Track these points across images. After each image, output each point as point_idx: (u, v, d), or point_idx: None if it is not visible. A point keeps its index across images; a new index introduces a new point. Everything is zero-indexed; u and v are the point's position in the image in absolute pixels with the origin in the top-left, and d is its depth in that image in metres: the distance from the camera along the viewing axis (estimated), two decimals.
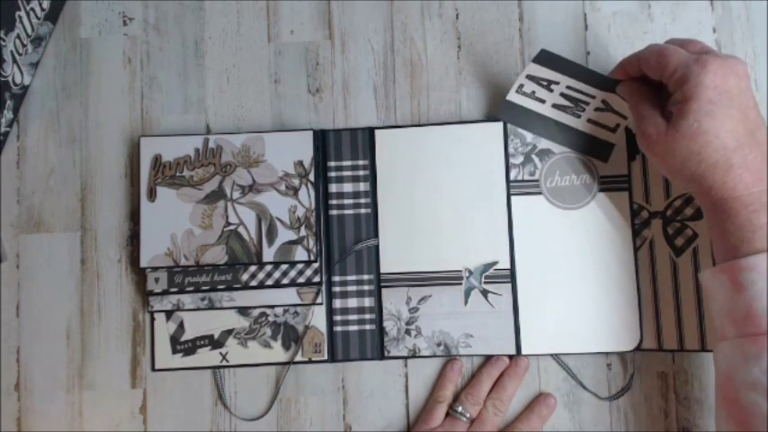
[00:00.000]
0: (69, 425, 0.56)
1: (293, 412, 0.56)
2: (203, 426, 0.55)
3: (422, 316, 0.55)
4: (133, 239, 0.57)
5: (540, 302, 0.54)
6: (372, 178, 0.56)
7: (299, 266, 0.55)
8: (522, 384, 0.54)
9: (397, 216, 0.56)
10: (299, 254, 0.54)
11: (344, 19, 0.59)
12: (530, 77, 0.52)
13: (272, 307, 0.56)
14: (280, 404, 0.56)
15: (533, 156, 0.56)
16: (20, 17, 0.55)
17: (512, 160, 0.56)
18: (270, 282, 0.54)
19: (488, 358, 0.55)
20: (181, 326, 0.56)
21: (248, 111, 0.59)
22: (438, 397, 0.54)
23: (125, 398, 0.56)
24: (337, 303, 0.56)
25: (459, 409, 0.53)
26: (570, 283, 0.54)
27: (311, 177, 0.55)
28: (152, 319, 0.56)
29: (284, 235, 0.55)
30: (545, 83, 0.52)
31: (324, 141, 0.57)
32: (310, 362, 0.55)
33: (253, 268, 0.55)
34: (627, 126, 0.54)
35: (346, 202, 0.56)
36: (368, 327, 0.55)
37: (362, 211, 0.56)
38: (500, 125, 0.56)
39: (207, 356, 0.55)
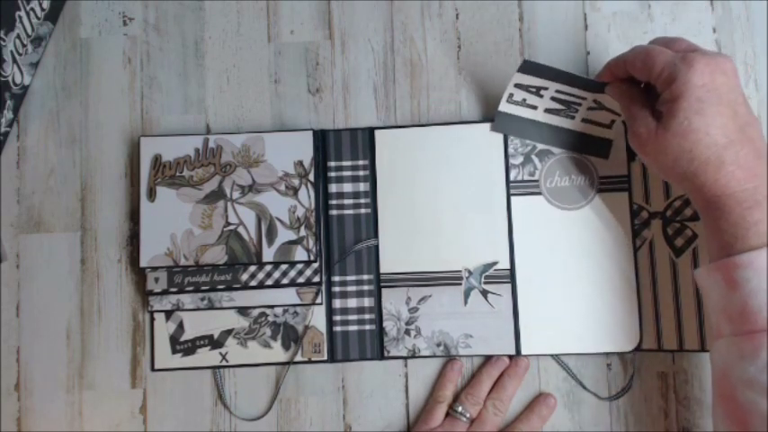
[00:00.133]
0: (69, 425, 0.56)
1: (293, 412, 0.56)
2: (203, 426, 0.55)
3: (422, 316, 0.55)
4: (133, 239, 0.57)
5: (540, 303, 0.54)
6: (372, 178, 0.56)
7: (299, 266, 0.55)
8: (522, 384, 0.54)
9: (396, 216, 0.56)
10: (299, 254, 0.54)
11: (344, 19, 0.59)
12: (518, 86, 0.52)
13: (272, 307, 0.56)
14: (280, 404, 0.56)
15: (533, 156, 0.56)
16: (20, 17, 0.55)
17: (511, 160, 0.56)
18: (269, 282, 0.54)
19: (488, 358, 0.55)
20: (180, 326, 0.56)
21: (248, 111, 0.59)
22: (438, 397, 0.54)
23: (125, 398, 0.56)
24: (337, 303, 0.56)
25: (459, 409, 0.53)
26: (570, 283, 0.54)
27: (311, 177, 0.55)
28: (152, 319, 0.56)
29: (284, 235, 0.55)
30: (534, 89, 0.52)
31: (324, 141, 0.57)
32: (310, 362, 0.55)
33: (252, 268, 0.55)
34: (623, 121, 0.54)
35: (346, 202, 0.56)
36: (368, 327, 0.55)
37: (362, 211, 0.56)
38: None
39: (207, 356, 0.55)
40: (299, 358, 0.55)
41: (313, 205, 0.55)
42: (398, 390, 0.56)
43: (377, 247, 0.56)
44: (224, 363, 0.55)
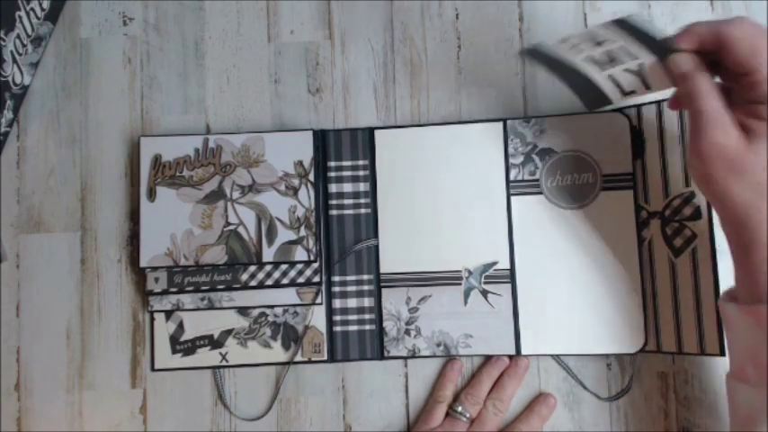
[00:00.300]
0: (69, 425, 0.56)
1: (293, 412, 0.56)
2: (203, 426, 0.55)
3: (422, 316, 0.55)
4: (133, 239, 0.57)
5: (540, 303, 0.54)
6: (372, 178, 0.56)
7: (299, 266, 0.55)
8: (522, 384, 0.54)
9: (396, 216, 0.56)
10: (299, 254, 0.54)
11: (344, 19, 0.59)
12: (588, 35, 0.45)
13: (272, 307, 0.56)
14: (280, 404, 0.56)
15: (533, 155, 0.56)
16: (20, 17, 0.55)
17: (512, 160, 0.56)
18: (269, 282, 0.54)
19: (488, 358, 0.55)
20: (180, 326, 0.56)
21: (248, 111, 0.59)
22: (438, 397, 0.54)
23: (125, 398, 0.56)
24: (337, 303, 0.56)
25: (459, 409, 0.53)
26: (570, 283, 0.54)
27: (311, 177, 0.55)
28: (152, 319, 0.56)
29: (284, 235, 0.55)
30: (599, 42, 0.45)
31: (324, 141, 0.57)
32: (310, 362, 0.55)
33: (252, 268, 0.55)
34: (639, 103, 0.50)
35: (346, 202, 0.56)
36: (368, 327, 0.55)
37: (362, 211, 0.56)
38: (500, 125, 0.56)
39: (206, 356, 0.55)
40: (298, 358, 0.55)
41: (313, 205, 0.55)
42: (398, 390, 0.56)
43: (377, 247, 0.56)
44: (224, 363, 0.55)
